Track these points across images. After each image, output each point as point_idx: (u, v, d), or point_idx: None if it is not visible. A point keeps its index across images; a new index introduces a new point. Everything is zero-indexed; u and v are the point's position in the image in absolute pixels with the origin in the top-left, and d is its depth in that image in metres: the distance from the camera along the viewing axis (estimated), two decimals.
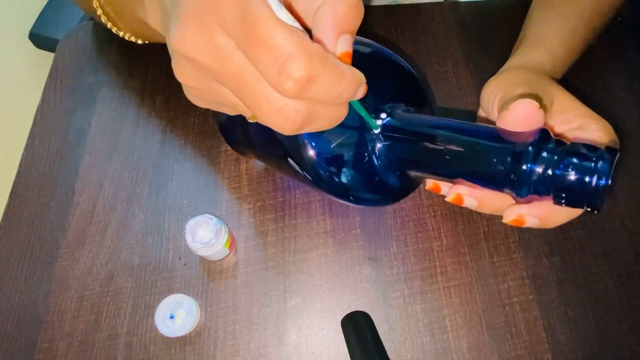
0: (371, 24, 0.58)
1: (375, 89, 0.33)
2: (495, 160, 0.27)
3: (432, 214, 0.46)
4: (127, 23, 0.44)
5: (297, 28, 0.20)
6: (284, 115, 0.22)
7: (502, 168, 0.27)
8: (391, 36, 0.57)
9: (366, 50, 0.35)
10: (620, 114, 0.52)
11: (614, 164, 0.25)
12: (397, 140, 0.32)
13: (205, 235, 0.40)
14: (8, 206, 0.46)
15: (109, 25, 0.45)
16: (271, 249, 0.44)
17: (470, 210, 0.46)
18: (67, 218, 0.45)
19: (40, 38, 1.12)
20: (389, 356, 0.39)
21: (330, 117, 0.23)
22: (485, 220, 0.46)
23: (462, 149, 0.29)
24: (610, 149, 0.25)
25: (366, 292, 0.43)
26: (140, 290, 0.42)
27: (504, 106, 0.29)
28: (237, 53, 0.21)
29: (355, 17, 0.22)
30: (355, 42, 0.34)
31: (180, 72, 0.23)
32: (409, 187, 0.36)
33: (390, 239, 0.45)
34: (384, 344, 0.40)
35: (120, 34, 0.46)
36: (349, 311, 0.42)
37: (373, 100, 0.32)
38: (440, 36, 0.57)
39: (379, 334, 0.41)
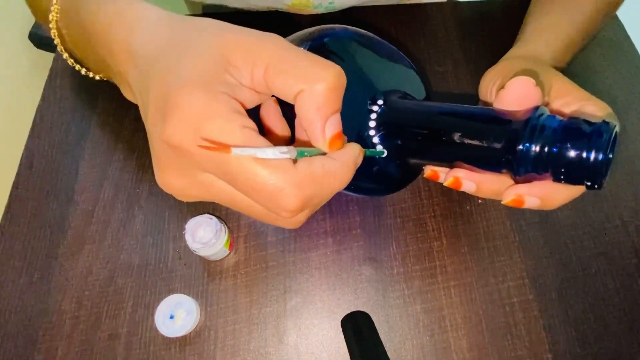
0: (372, 23, 0.58)
1: (373, 78, 0.33)
2: (491, 139, 0.27)
3: (432, 214, 0.46)
4: (88, 62, 0.36)
5: (279, 156, 0.20)
6: (286, 223, 0.24)
7: (498, 147, 0.26)
8: (392, 36, 0.57)
9: (364, 41, 0.35)
10: (620, 114, 0.52)
11: (612, 137, 0.24)
12: (393, 126, 0.32)
13: (205, 235, 0.40)
14: (8, 206, 0.46)
15: (64, 56, 0.38)
16: (271, 249, 0.44)
17: (470, 210, 0.46)
18: (67, 218, 0.45)
19: (40, 38, 1.12)
20: (389, 356, 0.39)
21: (329, 197, 0.24)
22: (485, 220, 0.46)
23: (457, 131, 0.29)
24: (607, 123, 0.24)
25: (366, 292, 0.43)
26: (140, 290, 0.42)
27: (501, 88, 0.29)
28: (224, 184, 0.22)
29: (338, 95, 0.22)
30: (353, 33, 0.35)
31: (178, 198, 0.24)
32: (408, 175, 0.36)
33: (390, 239, 0.45)
34: (384, 344, 0.40)
35: (77, 67, 0.38)
36: (349, 311, 0.42)
37: (370, 90, 0.33)
38: (440, 36, 0.57)
39: (379, 334, 0.41)
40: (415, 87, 0.36)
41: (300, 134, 0.26)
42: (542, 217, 0.46)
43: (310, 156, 0.22)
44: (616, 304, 0.42)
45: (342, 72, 0.22)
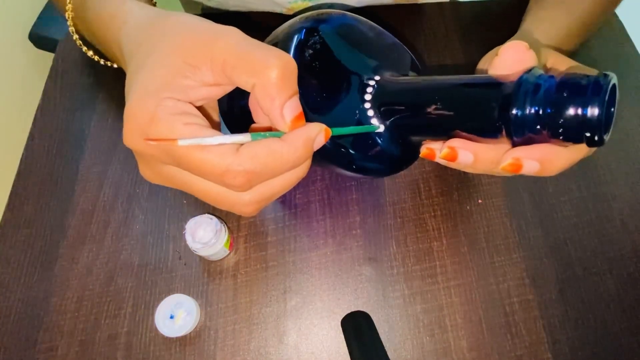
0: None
1: (367, 60, 0.34)
2: (484, 104, 0.26)
3: (432, 214, 0.46)
4: (106, 55, 0.40)
5: (221, 142, 0.23)
6: (241, 210, 0.25)
7: (493, 111, 0.26)
8: None
9: (359, 26, 0.36)
10: (620, 113, 0.52)
11: (610, 89, 0.23)
12: (389, 103, 0.32)
13: (205, 235, 0.40)
14: (8, 206, 0.46)
15: (84, 49, 0.42)
16: (271, 249, 0.44)
17: (470, 210, 0.46)
18: (67, 218, 0.45)
19: (40, 38, 1.11)
20: (389, 356, 0.39)
21: (288, 181, 0.26)
22: (485, 220, 0.46)
23: (450, 100, 0.28)
24: (606, 74, 0.23)
25: (366, 292, 0.43)
26: (140, 290, 0.42)
27: (495, 55, 0.29)
28: (183, 173, 0.25)
29: (289, 82, 0.24)
30: (349, 18, 0.35)
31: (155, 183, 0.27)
32: (409, 154, 0.36)
33: (390, 239, 0.45)
34: (384, 344, 0.40)
35: (96, 58, 0.42)
36: (349, 311, 0.42)
37: (365, 72, 0.33)
38: (440, 36, 0.57)
39: (379, 334, 0.41)
40: (411, 68, 0.37)
41: (255, 119, 0.28)
42: (542, 217, 0.46)
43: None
44: (616, 304, 0.42)
45: (289, 59, 0.24)
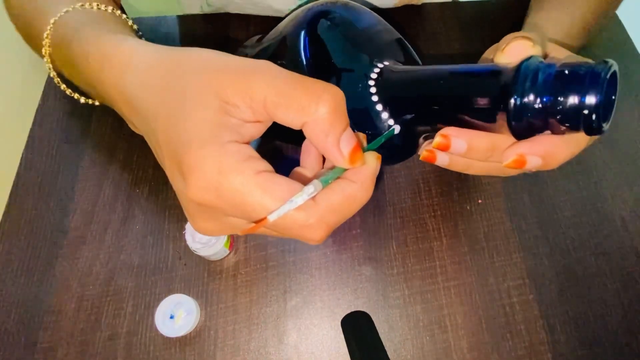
0: None
1: (369, 53, 0.35)
2: (486, 87, 0.26)
3: (432, 214, 0.46)
4: (88, 93, 0.37)
5: (307, 198, 0.22)
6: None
7: (494, 94, 0.26)
8: None
9: (365, 16, 0.37)
10: (620, 113, 0.52)
11: (609, 77, 0.23)
12: (392, 87, 0.33)
13: (205, 235, 0.40)
14: (8, 206, 0.46)
15: (62, 87, 0.39)
16: (271, 249, 0.44)
17: (470, 210, 0.46)
18: (67, 218, 0.45)
19: None
20: (389, 356, 0.39)
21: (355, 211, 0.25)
22: (485, 220, 0.46)
23: (452, 83, 0.29)
24: (605, 61, 0.23)
25: (366, 292, 0.43)
26: (140, 290, 0.42)
27: (499, 50, 0.29)
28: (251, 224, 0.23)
29: (341, 114, 0.23)
30: (354, 7, 0.36)
31: (213, 235, 0.27)
32: (409, 144, 0.36)
33: (390, 239, 0.45)
34: (384, 344, 0.40)
35: (75, 96, 0.39)
36: (349, 311, 0.42)
37: (367, 58, 0.34)
38: (440, 36, 0.57)
39: (379, 334, 0.41)
40: (410, 58, 0.37)
41: (304, 160, 0.27)
42: (542, 217, 0.46)
43: (334, 179, 0.24)
44: (616, 304, 0.42)
45: (337, 90, 0.23)
